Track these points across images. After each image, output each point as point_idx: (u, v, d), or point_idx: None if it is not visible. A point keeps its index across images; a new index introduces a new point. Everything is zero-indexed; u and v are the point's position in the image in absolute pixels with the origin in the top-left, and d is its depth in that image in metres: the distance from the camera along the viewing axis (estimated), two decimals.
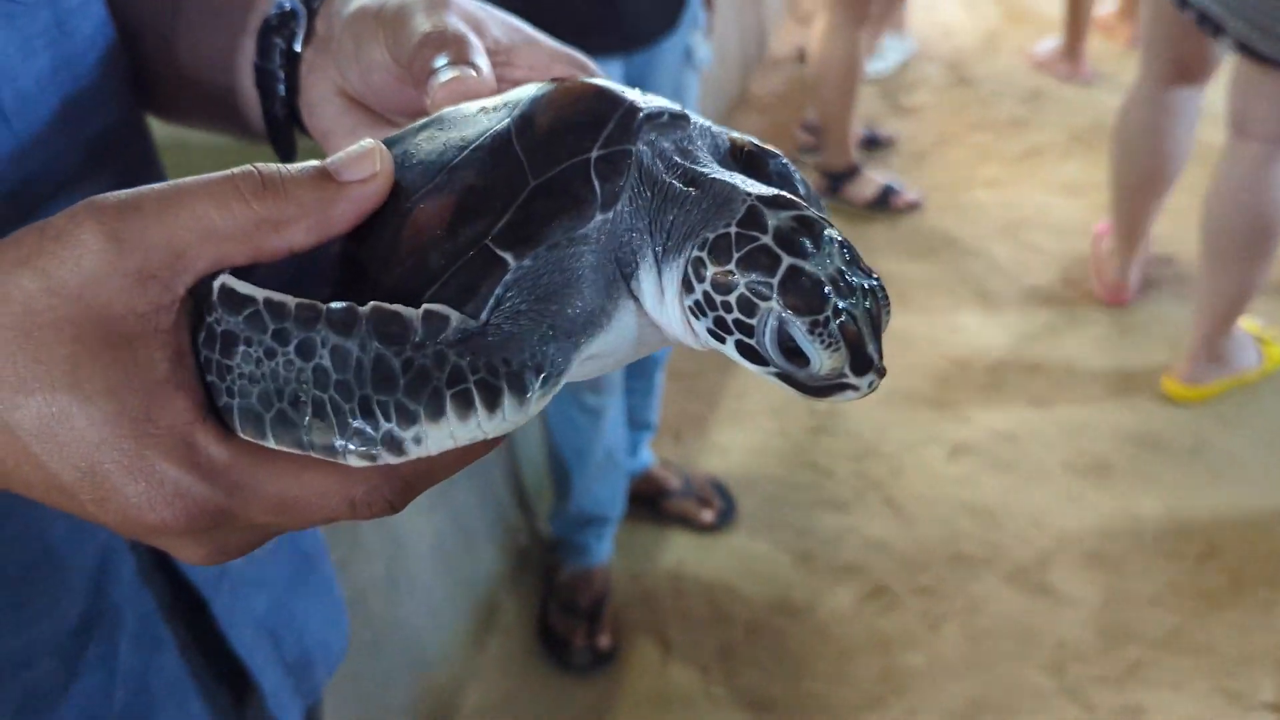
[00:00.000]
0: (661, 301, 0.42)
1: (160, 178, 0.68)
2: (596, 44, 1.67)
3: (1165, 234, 2.82)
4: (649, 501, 2.22)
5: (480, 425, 0.38)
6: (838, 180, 3.18)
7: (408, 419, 0.38)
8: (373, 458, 0.38)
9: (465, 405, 0.38)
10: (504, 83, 0.54)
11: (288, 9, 0.60)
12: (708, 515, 2.19)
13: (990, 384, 2.54)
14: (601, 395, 1.84)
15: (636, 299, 0.42)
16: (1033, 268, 2.89)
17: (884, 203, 3.15)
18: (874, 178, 3.16)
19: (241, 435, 0.40)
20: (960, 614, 2.01)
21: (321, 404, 0.39)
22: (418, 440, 0.38)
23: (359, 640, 1.65)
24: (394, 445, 0.38)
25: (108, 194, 0.41)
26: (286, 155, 0.64)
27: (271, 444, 0.39)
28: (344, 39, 0.57)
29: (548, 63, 0.56)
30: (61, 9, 0.62)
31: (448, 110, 0.48)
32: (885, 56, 3.85)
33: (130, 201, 0.41)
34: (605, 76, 0.53)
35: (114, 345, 0.40)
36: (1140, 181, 2.53)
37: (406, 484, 0.42)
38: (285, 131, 0.63)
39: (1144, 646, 1.93)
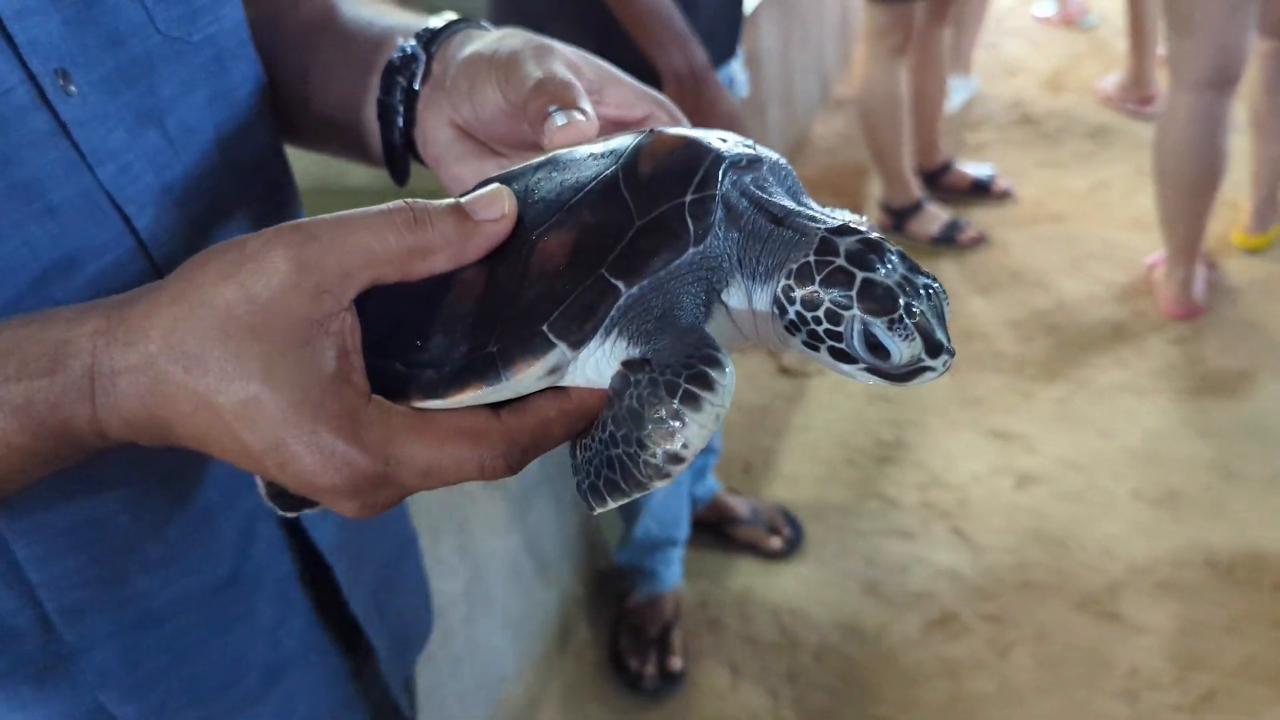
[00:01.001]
0: (752, 317, 0.49)
1: (295, 195, 0.81)
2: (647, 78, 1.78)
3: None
4: (717, 528, 2.24)
5: (711, 405, 0.45)
6: (900, 217, 3.21)
7: (669, 437, 0.45)
8: (668, 475, 0.46)
9: (693, 400, 0.44)
10: (599, 120, 0.61)
11: (409, 53, 0.67)
12: (776, 542, 2.22)
13: (1057, 414, 2.53)
14: None
15: (727, 309, 0.49)
16: (1101, 300, 2.88)
17: (949, 238, 3.17)
18: (938, 213, 3.19)
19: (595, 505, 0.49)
20: (1029, 641, 2.00)
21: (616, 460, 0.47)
22: (685, 446, 0.45)
23: (439, 656, 1.71)
24: (676, 459, 0.45)
25: (291, 224, 0.49)
26: (400, 179, 0.71)
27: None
28: (459, 79, 0.63)
29: (633, 100, 0.62)
30: (222, 48, 0.70)
31: (560, 152, 0.54)
32: (950, 96, 3.89)
33: (310, 231, 0.48)
34: (678, 112, 0.63)
35: (296, 345, 0.47)
36: (1193, 188, 2.61)
37: (524, 451, 0.49)
38: (402, 158, 0.70)
39: (1218, 675, 1.90)
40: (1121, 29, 3.63)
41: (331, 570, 0.81)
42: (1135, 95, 3.69)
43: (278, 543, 0.77)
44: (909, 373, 0.45)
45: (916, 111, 3.21)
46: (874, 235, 0.47)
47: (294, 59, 0.78)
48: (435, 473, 0.49)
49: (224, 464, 0.66)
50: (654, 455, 0.45)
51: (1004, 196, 3.38)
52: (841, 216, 0.52)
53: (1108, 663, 1.94)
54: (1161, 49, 3.80)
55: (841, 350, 0.45)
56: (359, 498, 0.49)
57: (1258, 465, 2.31)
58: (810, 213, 0.49)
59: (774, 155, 0.53)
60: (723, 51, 1.92)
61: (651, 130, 0.52)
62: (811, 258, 0.46)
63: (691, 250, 0.47)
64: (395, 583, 0.92)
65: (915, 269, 0.47)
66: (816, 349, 0.46)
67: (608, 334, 0.48)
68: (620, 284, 0.47)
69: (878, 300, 0.44)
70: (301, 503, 0.56)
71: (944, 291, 0.47)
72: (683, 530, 2.07)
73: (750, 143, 0.52)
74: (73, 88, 0.61)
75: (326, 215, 0.49)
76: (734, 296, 0.49)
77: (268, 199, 0.77)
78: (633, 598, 2.06)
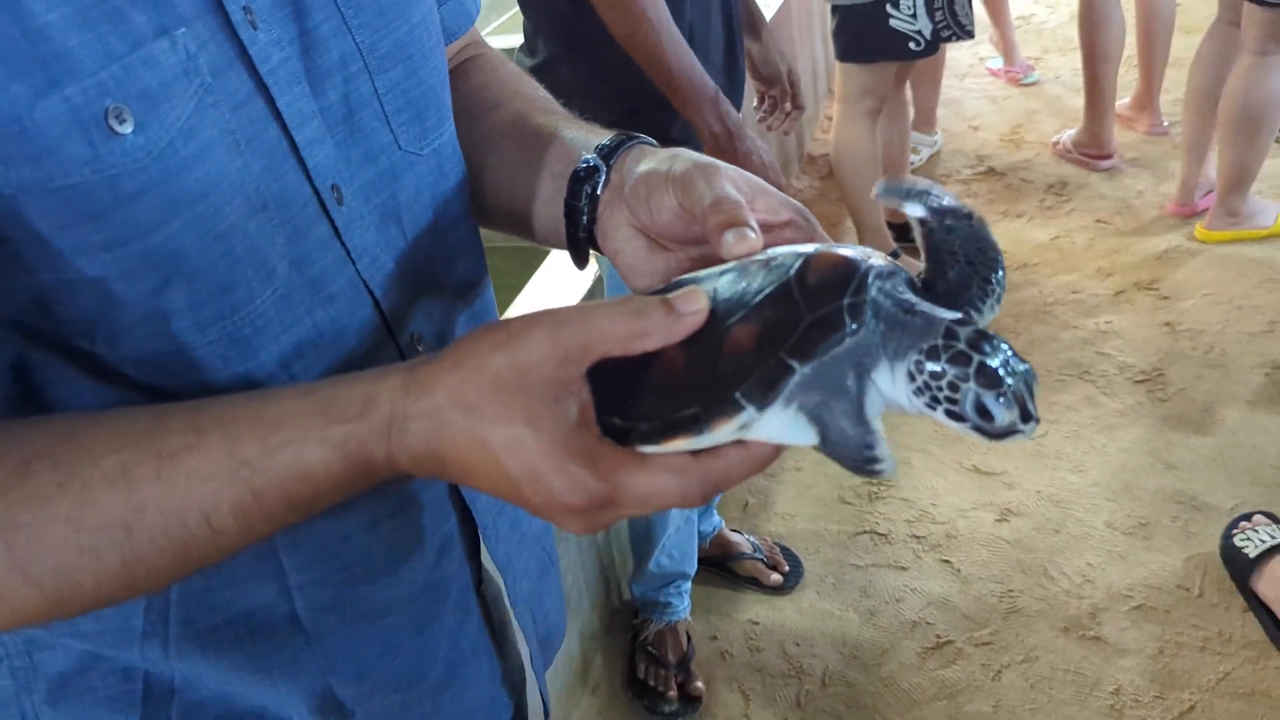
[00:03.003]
0: (893, 386, 0.56)
1: (486, 267, 0.91)
2: (675, 140, 1.85)
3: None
4: (720, 563, 2.31)
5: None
6: None
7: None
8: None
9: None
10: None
11: (592, 164, 0.75)
12: (775, 577, 2.29)
13: (1033, 451, 2.60)
14: None
15: (875, 384, 0.57)
16: (1068, 344, 2.96)
17: None
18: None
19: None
20: (1020, 664, 2.07)
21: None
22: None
23: None
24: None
25: (547, 310, 0.59)
26: (582, 264, 0.80)
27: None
28: (638, 188, 0.72)
29: (778, 208, 0.69)
30: (442, 157, 0.81)
31: (738, 262, 0.64)
32: (918, 151, 3.98)
33: (560, 317, 0.58)
34: (811, 217, 0.71)
35: (549, 400, 0.57)
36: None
37: (715, 486, 0.58)
38: (585, 249, 0.78)
39: (1196, 692, 1.97)
40: (1075, 86, 3.76)
41: (494, 582, 0.91)
42: (1092, 151, 3.78)
43: (461, 559, 0.86)
44: (1006, 433, 0.54)
45: (884, 168, 3.27)
46: (984, 328, 0.56)
47: (474, 154, 0.87)
48: (648, 499, 0.58)
49: (437, 488, 0.81)
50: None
51: None
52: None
53: (1093, 683, 2.01)
54: (1121, 103, 3.97)
55: (956, 413, 0.54)
56: (589, 517, 0.58)
57: (1222, 496, 2.38)
58: (932, 306, 0.58)
59: (899, 267, 0.61)
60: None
61: (816, 248, 0.62)
62: (940, 341, 0.54)
63: (849, 340, 0.56)
64: (541, 594, 1.00)
65: (1014, 354, 0.55)
66: (935, 410, 0.55)
67: (787, 402, 0.56)
68: (795, 363, 0.55)
69: (989, 378, 0.53)
70: None
71: (1033, 373, 0.55)
72: (692, 565, 2.13)
73: (891, 260, 0.61)
74: (343, 199, 0.71)
75: (572, 305, 0.59)
76: (880, 373, 0.57)
77: (471, 268, 0.87)
78: (650, 629, 2.12)
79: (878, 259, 0.60)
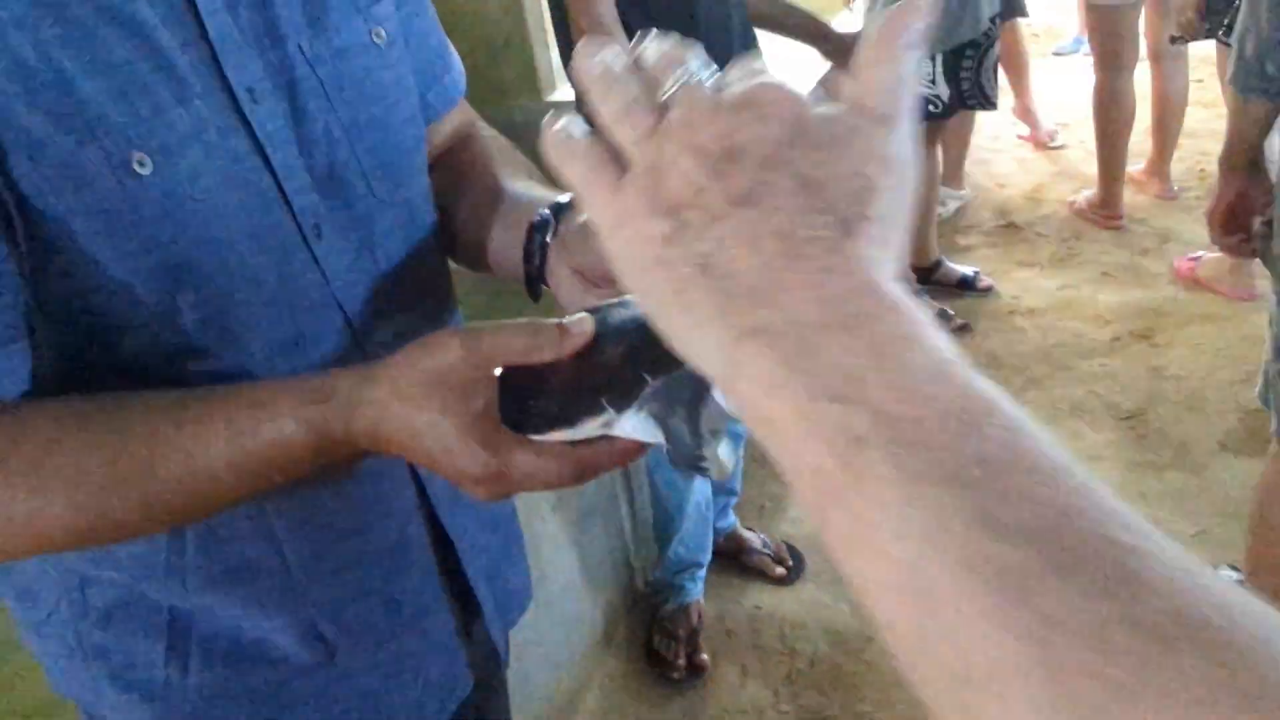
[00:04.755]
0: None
1: (452, 291, 0.94)
2: None
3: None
4: (734, 557, 2.48)
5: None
6: None
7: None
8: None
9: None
10: None
11: (544, 218, 0.79)
12: (780, 570, 2.45)
13: None
14: None
15: (714, 399, 0.59)
16: (1065, 382, 3.05)
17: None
18: (929, 304, 3.29)
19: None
20: None
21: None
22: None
23: (511, 641, 1.90)
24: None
25: (466, 327, 0.66)
26: (535, 298, 0.83)
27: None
28: (576, 238, 0.76)
29: None
30: (413, 205, 0.86)
31: (627, 296, 0.66)
32: (945, 204, 4.07)
33: (476, 331, 0.65)
34: None
35: (461, 395, 0.63)
36: None
37: (586, 471, 0.65)
38: (537, 285, 0.81)
39: None
40: (1094, 152, 3.81)
41: (454, 544, 0.93)
42: (1104, 212, 3.85)
43: (420, 526, 0.89)
44: None
45: (912, 218, 3.40)
46: None
47: (457, 211, 0.91)
48: (533, 476, 0.64)
49: (399, 468, 0.84)
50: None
51: (987, 292, 3.52)
52: None
53: None
54: (1135, 168, 4.01)
55: None
56: (488, 485, 0.64)
57: (1185, 525, 2.47)
58: None
59: None
60: None
61: None
62: None
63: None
64: (502, 562, 1.01)
65: None
66: None
67: (639, 408, 0.60)
68: (647, 377, 0.59)
69: None
70: None
71: None
72: (706, 555, 2.32)
73: None
74: (322, 235, 0.76)
75: (485, 322, 0.66)
76: (717, 391, 0.55)
77: (435, 295, 0.91)
78: (665, 608, 2.28)
79: None
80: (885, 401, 0.30)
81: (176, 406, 0.67)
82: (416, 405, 0.63)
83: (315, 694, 0.87)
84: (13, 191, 0.63)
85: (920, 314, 0.33)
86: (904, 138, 0.40)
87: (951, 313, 3.37)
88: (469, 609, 0.97)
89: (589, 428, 0.62)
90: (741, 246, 0.35)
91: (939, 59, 2.94)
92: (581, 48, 0.41)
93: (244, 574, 0.80)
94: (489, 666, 1.05)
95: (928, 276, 3.56)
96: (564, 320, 0.65)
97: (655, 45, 0.41)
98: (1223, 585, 0.27)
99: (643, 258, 0.37)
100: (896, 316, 0.33)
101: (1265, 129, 1.61)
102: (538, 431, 0.64)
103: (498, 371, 0.65)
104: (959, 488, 0.29)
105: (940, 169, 3.92)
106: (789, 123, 0.37)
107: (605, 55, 0.40)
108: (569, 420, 0.63)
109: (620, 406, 0.61)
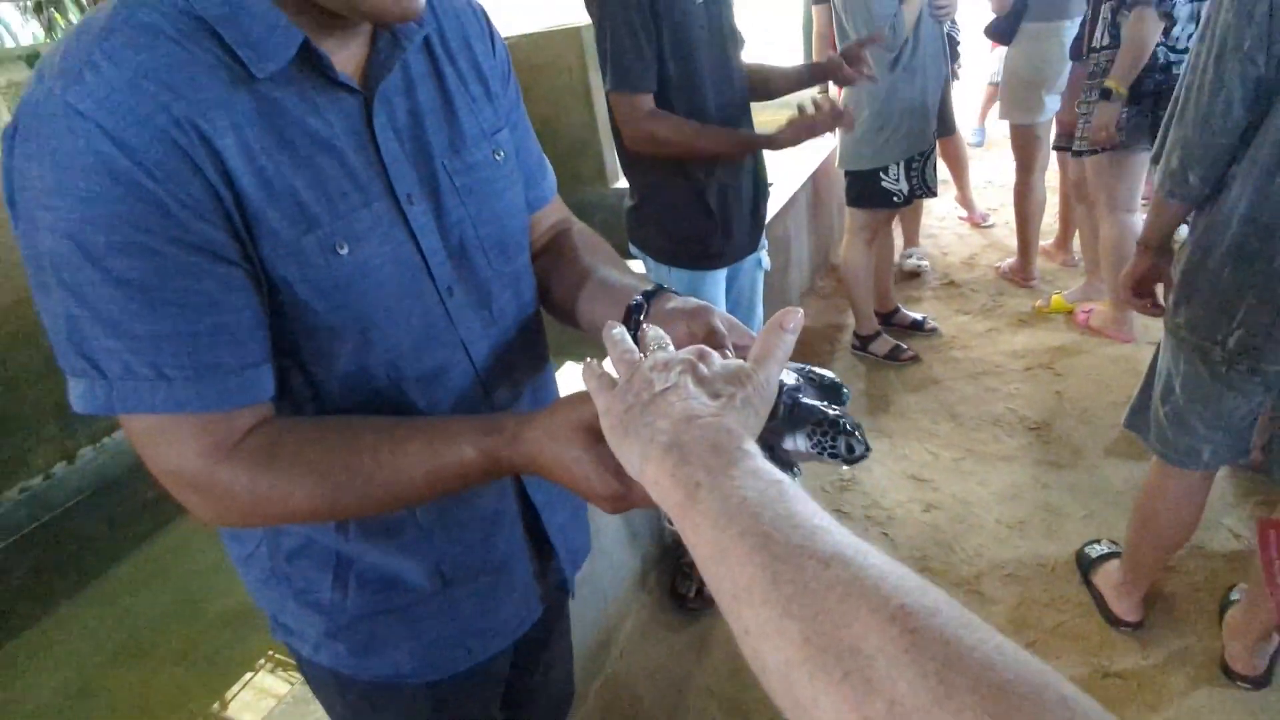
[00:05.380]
0: (795, 445, 0.59)
1: (546, 342, 0.91)
2: (716, 263, 1.93)
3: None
4: None
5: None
6: (866, 341, 3.31)
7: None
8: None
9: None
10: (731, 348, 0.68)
11: (639, 302, 0.76)
12: None
13: (953, 469, 2.63)
14: None
15: (780, 445, 0.60)
16: (988, 400, 2.98)
17: (894, 357, 3.27)
18: (889, 340, 3.30)
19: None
20: None
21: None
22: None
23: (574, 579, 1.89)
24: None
25: (579, 393, 0.62)
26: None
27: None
28: (663, 316, 0.72)
29: (743, 335, 0.68)
30: (520, 276, 0.83)
31: None
32: (920, 260, 4.00)
33: (577, 395, 0.63)
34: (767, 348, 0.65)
35: (596, 438, 0.62)
36: None
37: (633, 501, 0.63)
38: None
39: (1039, 633, 2.00)
40: (1015, 231, 3.72)
41: (539, 512, 0.91)
42: (1021, 275, 3.76)
43: (513, 497, 0.88)
44: (856, 460, 0.57)
45: (876, 276, 3.33)
46: (834, 412, 0.58)
47: (558, 282, 0.89)
48: (644, 499, 0.60)
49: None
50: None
51: (932, 332, 3.44)
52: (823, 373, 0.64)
53: None
54: (1046, 243, 3.92)
55: (834, 452, 0.58)
56: (611, 503, 0.63)
57: (1077, 508, 2.39)
58: (813, 402, 0.60)
59: (800, 381, 0.62)
60: (751, 246, 2.02)
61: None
62: (826, 418, 0.59)
63: (771, 423, 0.58)
64: (570, 527, 0.98)
65: (854, 421, 0.57)
66: (822, 454, 0.58)
67: None
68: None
69: (848, 435, 0.57)
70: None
71: (862, 428, 0.58)
72: None
73: (802, 369, 0.63)
74: (454, 294, 0.76)
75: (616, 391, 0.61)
76: (784, 439, 0.60)
77: (533, 341, 0.89)
78: (685, 558, 2.23)
79: (789, 377, 0.62)
80: (714, 471, 0.43)
81: (391, 430, 0.67)
82: (565, 444, 0.63)
83: (434, 613, 0.86)
84: (260, 265, 0.64)
85: (753, 455, 0.44)
86: (770, 377, 0.53)
87: (906, 346, 3.30)
88: (543, 556, 0.95)
89: None
90: (661, 418, 0.49)
91: (901, 164, 2.87)
92: (607, 333, 0.64)
93: (388, 530, 0.80)
94: (558, 597, 1.04)
95: (888, 320, 3.49)
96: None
97: (654, 341, 0.61)
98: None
99: (617, 421, 0.53)
100: (738, 445, 0.45)
101: (1178, 223, 1.54)
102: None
103: None
104: (746, 518, 0.39)
105: (899, 242, 3.87)
106: (698, 355, 0.55)
107: (618, 335, 0.62)
108: None
109: None
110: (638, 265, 2.01)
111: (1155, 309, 1.69)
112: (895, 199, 3.00)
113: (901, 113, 2.77)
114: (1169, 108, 1.46)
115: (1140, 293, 1.68)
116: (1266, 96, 1.29)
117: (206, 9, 0.59)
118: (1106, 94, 2.60)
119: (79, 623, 2.54)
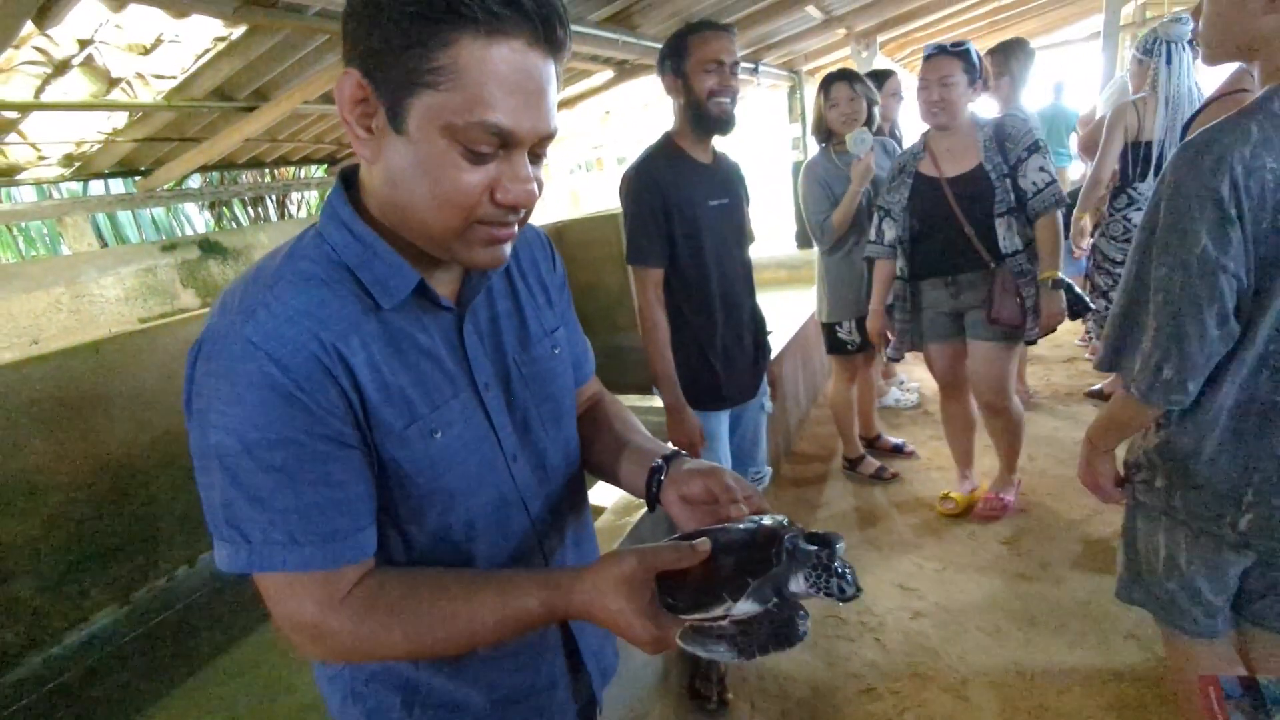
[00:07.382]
0: (798, 585, 0.61)
1: (587, 496, 0.90)
2: (721, 405, 1.89)
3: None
4: None
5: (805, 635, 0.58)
6: (853, 463, 3.23)
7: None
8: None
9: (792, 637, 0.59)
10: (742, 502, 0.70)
11: (660, 465, 0.77)
12: None
13: (936, 579, 2.50)
14: None
15: (787, 587, 0.61)
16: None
17: (879, 476, 3.18)
18: (873, 462, 3.22)
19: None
20: (916, 707, 1.97)
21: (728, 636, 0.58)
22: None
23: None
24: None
25: (638, 547, 0.62)
26: (652, 509, 0.79)
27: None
28: (682, 477, 0.74)
29: (750, 493, 0.70)
30: (568, 440, 0.83)
31: (730, 524, 0.66)
32: (886, 398, 3.97)
33: (643, 550, 0.63)
34: (764, 504, 0.70)
35: (637, 590, 0.63)
36: None
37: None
38: (654, 504, 0.79)
39: None
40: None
41: (575, 637, 0.89)
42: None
43: (558, 630, 0.86)
44: (848, 599, 0.60)
45: (859, 407, 3.30)
46: (837, 562, 0.58)
47: (597, 446, 0.89)
48: (674, 645, 0.62)
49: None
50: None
51: (910, 455, 3.35)
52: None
53: None
54: None
55: (828, 591, 0.59)
56: (652, 646, 0.63)
57: (1049, 618, 2.24)
58: (809, 547, 0.61)
59: (798, 530, 0.64)
60: (753, 391, 1.98)
61: (764, 520, 0.66)
62: (816, 563, 0.61)
63: (775, 569, 0.61)
64: (600, 647, 0.95)
65: (846, 564, 0.58)
66: (817, 592, 0.60)
67: (748, 598, 0.60)
68: (750, 581, 0.60)
69: (839, 577, 0.59)
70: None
71: (854, 570, 0.60)
72: None
73: (798, 528, 0.64)
74: (517, 459, 0.77)
75: (648, 546, 0.65)
76: (789, 582, 0.61)
77: (577, 495, 0.88)
78: (703, 662, 2.09)
79: (791, 526, 0.64)
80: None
81: (469, 582, 0.68)
82: (612, 596, 0.63)
83: None
84: (375, 449, 0.67)
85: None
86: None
87: (887, 467, 3.21)
88: (577, 676, 0.92)
89: (716, 611, 0.61)
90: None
91: (853, 320, 2.93)
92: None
93: (454, 660, 0.79)
94: (588, 711, 0.98)
95: (872, 444, 3.42)
96: (694, 542, 0.64)
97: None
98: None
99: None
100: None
101: (1146, 425, 1.25)
102: (684, 613, 0.62)
103: (656, 574, 0.64)
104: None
105: (879, 380, 3.83)
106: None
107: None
108: (703, 606, 0.61)
109: (735, 597, 0.60)
110: (658, 400, 1.99)
111: (1126, 498, 1.33)
112: (849, 347, 3.01)
113: (845, 284, 2.85)
114: (1112, 318, 1.16)
115: (1114, 486, 1.32)
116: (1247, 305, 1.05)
117: (349, 258, 0.66)
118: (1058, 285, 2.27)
119: (193, 700, 2.46)
